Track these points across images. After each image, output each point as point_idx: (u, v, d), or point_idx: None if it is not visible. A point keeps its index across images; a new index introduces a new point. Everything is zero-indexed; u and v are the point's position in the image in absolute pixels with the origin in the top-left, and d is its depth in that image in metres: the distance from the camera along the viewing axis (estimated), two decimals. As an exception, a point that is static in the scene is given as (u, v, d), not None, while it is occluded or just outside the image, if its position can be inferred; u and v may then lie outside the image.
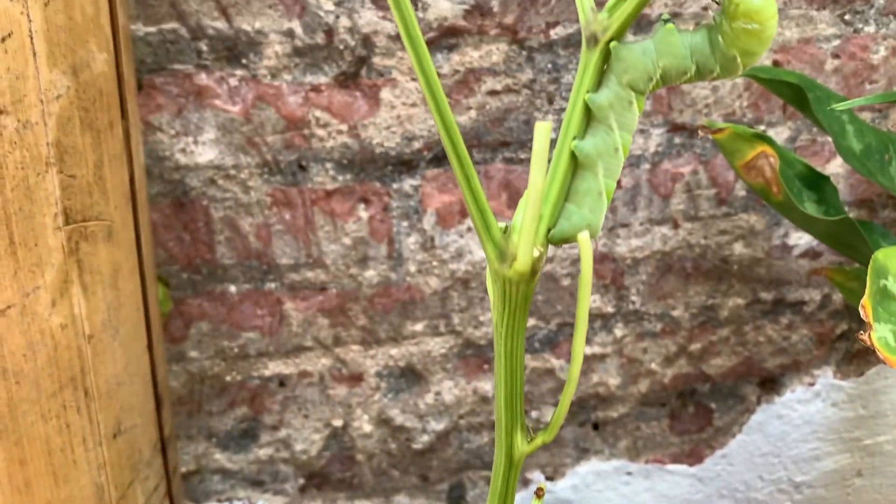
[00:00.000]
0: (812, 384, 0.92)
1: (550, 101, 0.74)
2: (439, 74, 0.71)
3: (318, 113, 0.71)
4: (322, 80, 0.70)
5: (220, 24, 0.66)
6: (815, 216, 0.57)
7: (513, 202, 0.78)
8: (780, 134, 0.79)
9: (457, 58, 0.71)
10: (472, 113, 0.73)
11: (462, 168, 0.30)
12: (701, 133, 0.53)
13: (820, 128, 0.66)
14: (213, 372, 0.78)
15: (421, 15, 0.69)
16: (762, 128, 0.78)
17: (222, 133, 0.70)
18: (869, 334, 0.43)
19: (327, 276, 0.76)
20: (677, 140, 0.77)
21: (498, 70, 0.72)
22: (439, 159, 0.74)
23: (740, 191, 0.81)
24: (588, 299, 0.29)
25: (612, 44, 0.30)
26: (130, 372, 0.53)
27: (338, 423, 0.82)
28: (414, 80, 0.71)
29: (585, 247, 0.30)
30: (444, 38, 0.70)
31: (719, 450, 0.91)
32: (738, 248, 0.83)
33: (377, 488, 0.85)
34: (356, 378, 0.81)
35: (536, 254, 0.31)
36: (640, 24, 0.72)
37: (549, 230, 0.32)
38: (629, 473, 0.90)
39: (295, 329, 0.78)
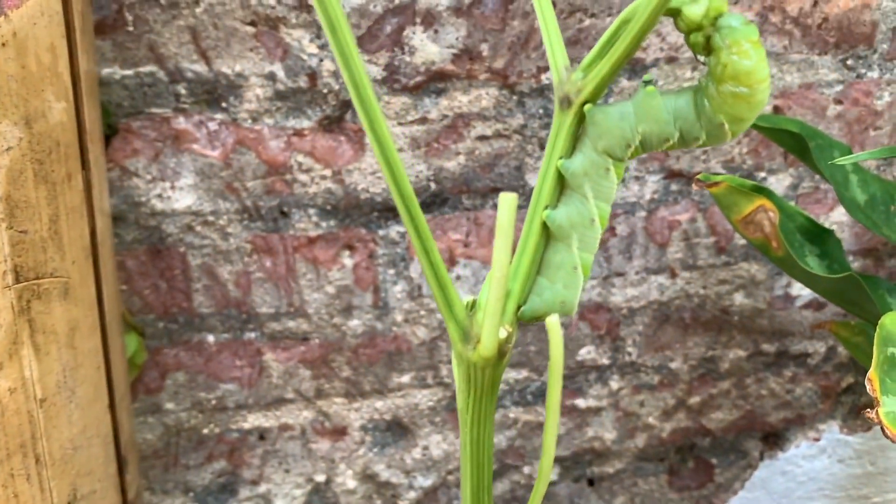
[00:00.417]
0: (817, 439, 0.88)
1: (542, 147, 0.72)
2: (427, 119, 0.69)
3: (300, 158, 0.68)
4: (305, 124, 0.67)
5: (200, 67, 0.64)
6: (816, 273, 0.54)
7: (503, 250, 0.75)
8: (781, 181, 0.76)
9: (445, 102, 0.69)
10: (462, 158, 0.71)
11: (421, 240, 0.27)
12: (695, 187, 0.50)
13: (822, 177, 0.63)
14: (189, 424, 0.75)
15: (408, 59, 0.67)
16: (763, 175, 0.76)
17: (201, 178, 0.67)
18: (877, 411, 0.39)
19: (309, 326, 0.73)
20: (674, 187, 0.75)
21: (488, 115, 0.70)
22: (428, 205, 0.72)
23: (740, 240, 0.78)
24: (559, 388, 0.26)
25: (587, 107, 0.27)
26: (89, 434, 0.50)
27: (320, 478, 0.79)
28: (401, 124, 0.69)
29: (554, 331, 0.27)
30: (433, 82, 0.68)
31: (720, 508, 0.87)
32: (739, 299, 0.80)
33: (361, 547, 0.81)
34: (339, 432, 0.78)
35: (504, 335, 0.28)
36: (634, 68, 0.70)
37: (519, 307, 0.29)
38: (626, 532, 0.86)
39: (275, 380, 0.75)
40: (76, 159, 0.45)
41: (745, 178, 0.75)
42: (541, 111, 0.70)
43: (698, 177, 0.50)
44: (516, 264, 0.29)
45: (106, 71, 0.63)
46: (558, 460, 0.83)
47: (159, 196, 0.67)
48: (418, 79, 0.67)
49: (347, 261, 0.72)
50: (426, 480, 0.81)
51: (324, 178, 0.69)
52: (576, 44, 0.68)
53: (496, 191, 0.73)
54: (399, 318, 0.75)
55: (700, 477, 0.87)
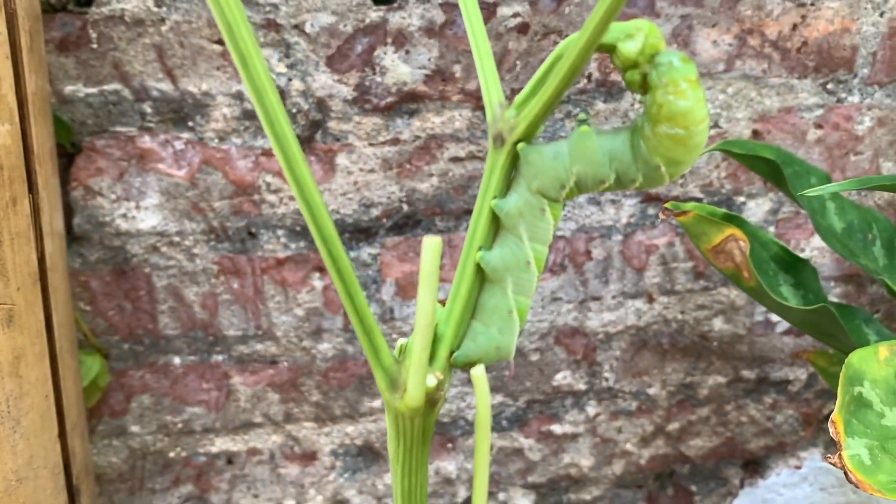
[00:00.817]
0: (799, 467, 0.86)
1: (516, 169, 0.70)
2: (399, 140, 0.68)
3: (269, 178, 0.67)
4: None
5: (165, 86, 0.63)
6: (788, 305, 0.53)
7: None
8: (761, 206, 0.75)
9: (417, 123, 0.67)
10: (434, 180, 0.69)
11: (344, 283, 0.25)
12: (663, 216, 0.49)
13: (798, 205, 0.62)
14: (155, 448, 0.73)
15: (379, 79, 0.65)
16: (742, 199, 0.74)
17: (166, 198, 0.66)
18: (840, 455, 0.38)
19: (278, 349, 0.72)
20: (651, 211, 0.73)
21: (461, 136, 0.68)
22: (400, 227, 0.71)
23: (719, 264, 0.77)
24: (487, 444, 0.25)
25: (520, 145, 0.26)
26: (35, 465, 0.48)
27: (289, 503, 0.77)
28: (372, 145, 0.68)
29: (480, 383, 0.25)
30: (405, 102, 0.66)
31: (699, 537, 0.86)
32: (718, 324, 0.79)
33: (330, 574, 0.79)
34: (309, 456, 0.76)
35: (433, 382, 0.27)
36: (610, 91, 0.69)
37: (452, 352, 0.28)
38: (603, 561, 0.85)
39: (243, 404, 0.73)
40: (22, 182, 0.44)
41: (725, 202, 0.74)
42: (515, 133, 0.69)
43: (666, 205, 0.49)
44: (449, 308, 0.28)
45: (69, 89, 0.62)
46: (534, 487, 0.81)
47: (124, 216, 0.66)
48: (390, 99, 0.66)
49: (317, 283, 0.71)
50: (398, 507, 0.79)
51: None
52: (550, 66, 0.67)
53: (470, 213, 0.72)
54: (370, 341, 0.73)
55: (679, 504, 0.85)
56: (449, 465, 0.79)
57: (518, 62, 0.67)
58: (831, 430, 0.39)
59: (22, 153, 0.43)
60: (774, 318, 0.80)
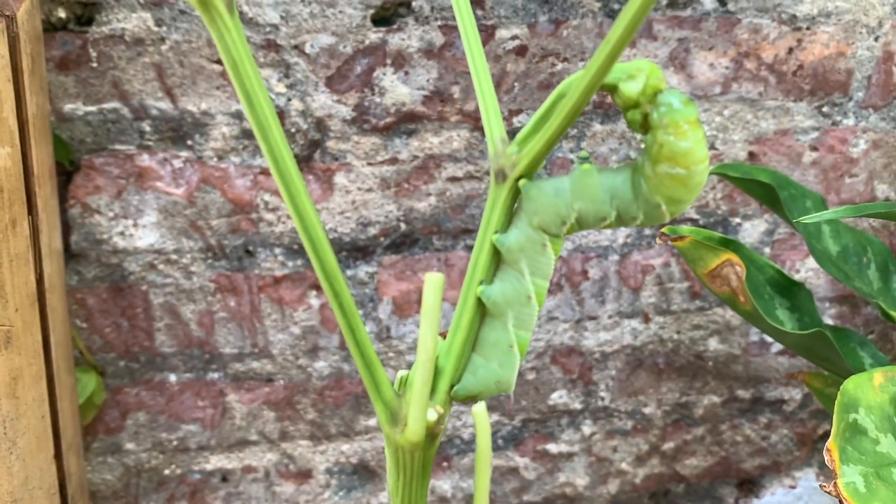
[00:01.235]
0: (793, 487, 0.86)
1: (514, 190, 0.71)
2: (397, 160, 0.68)
3: (266, 197, 0.67)
4: (272, 163, 0.66)
5: (165, 105, 0.63)
6: (784, 329, 0.53)
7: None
8: (756, 227, 0.75)
9: (416, 143, 0.68)
10: (432, 199, 0.70)
11: (346, 316, 0.26)
12: (659, 241, 0.49)
13: (794, 228, 0.62)
14: (150, 465, 0.73)
15: (378, 100, 0.66)
16: (737, 220, 0.75)
17: (164, 216, 0.66)
18: (835, 483, 0.38)
19: (274, 367, 0.72)
20: (647, 231, 0.74)
21: (459, 157, 0.69)
22: (397, 245, 0.71)
23: (715, 285, 0.77)
24: (487, 480, 0.25)
25: (522, 181, 0.26)
26: (31, 486, 0.48)
27: (284, 521, 0.77)
28: (371, 164, 0.68)
29: (481, 421, 0.25)
30: (403, 123, 0.67)
31: (694, 556, 0.86)
32: (714, 344, 0.79)
33: (325, 593, 0.79)
34: (304, 475, 0.76)
35: (434, 416, 0.27)
36: (607, 113, 0.69)
37: (452, 386, 0.28)
38: (597, 580, 0.85)
39: (238, 422, 0.73)
40: (22, 204, 0.44)
41: (721, 223, 0.75)
42: (512, 153, 0.69)
43: (662, 230, 0.49)
44: (450, 341, 0.28)
45: (68, 107, 0.62)
46: (529, 505, 0.81)
47: (121, 234, 0.66)
48: (388, 119, 0.67)
49: (314, 301, 0.71)
50: (393, 525, 0.79)
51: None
52: (547, 88, 0.67)
53: (467, 232, 0.72)
54: (366, 359, 0.74)
55: (674, 524, 0.85)
56: (444, 485, 0.79)
57: (516, 84, 0.67)
58: (826, 458, 0.39)
59: (22, 175, 0.43)
60: (769, 338, 0.80)
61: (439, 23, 0.64)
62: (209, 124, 0.64)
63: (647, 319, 0.77)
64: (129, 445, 0.72)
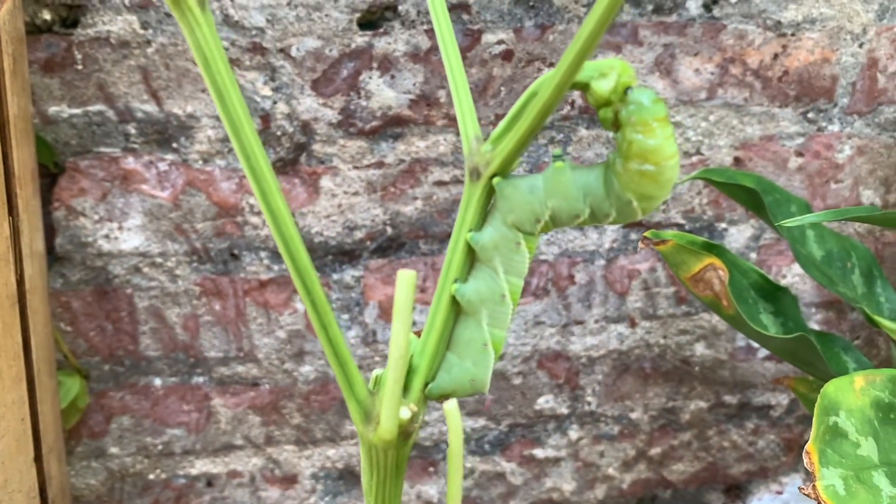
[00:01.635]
0: (780, 492, 0.86)
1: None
2: (384, 163, 0.68)
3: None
4: (258, 166, 0.66)
5: (150, 107, 0.63)
6: (767, 334, 0.53)
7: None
8: (742, 232, 0.76)
9: (402, 147, 0.68)
10: (419, 203, 0.70)
11: (318, 314, 0.25)
12: (642, 245, 0.49)
13: (778, 233, 0.62)
14: (135, 469, 0.73)
15: (364, 103, 0.66)
16: (723, 226, 0.75)
17: (149, 219, 0.66)
18: (814, 485, 0.38)
19: (259, 371, 0.72)
20: (633, 236, 0.74)
21: (445, 161, 0.69)
22: (384, 249, 0.71)
23: (701, 290, 0.77)
24: (459, 478, 0.25)
25: (496, 179, 0.26)
26: (10, 490, 0.48)
27: (269, 526, 0.76)
28: (357, 168, 0.68)
29: (453, 418, 0.25)
30: (389, 126, 0.67)
31: (681, 562, 0.85)
32: (700, 349, 0.79)
33: None
34: (290, 479, 0.76)
35: (407, 415, 0.27)
36: (593, 118, 0.70)
37: (427, 384, 0.28)
38: (584, 586, 0.84)
39: (224, 426, 0.73)
40: (2, 205, 0.44)
41: (707, 228, 0.75)
42: (499, 158, 0.70)
43: (646, 234, 0.49)
44: (424, 340, 0.28)
45: (53, 109, 0.62)
46: (516, 511, 0.81)
47: (106, 236, 0.66)
48: (375, 123, 0.67)
49: (300, 305, 0.71)
50: (379, 530, 0.79)
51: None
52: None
53: (454, 236, 0.72)
54: (352, 364, 0.73)
55: (661, 529, 0.85)
56: (430, 489, 0.79)
57: (502, 88, 0.67)
58: (805, 460, 0.39)
59: (2, 176, 0.43)
60: (756, 343, 0.80)
61: (425, 27, 0.65)
62: (194, 127, 0.64)
63: (633, 324, 0.77)
64: (114, 450, 0.72)
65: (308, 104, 0.65)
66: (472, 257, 0.28)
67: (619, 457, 0.82)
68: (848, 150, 0.74)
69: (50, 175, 0.64)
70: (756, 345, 0.80)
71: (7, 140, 0.44)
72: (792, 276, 0.78)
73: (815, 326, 0.81)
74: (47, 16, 0.60)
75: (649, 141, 0.24)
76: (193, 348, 0.70)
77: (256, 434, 0.73)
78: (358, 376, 0.27)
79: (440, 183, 0.70)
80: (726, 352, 0.80)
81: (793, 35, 0.70)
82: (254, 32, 0.62)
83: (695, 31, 0.68)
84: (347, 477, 0.77)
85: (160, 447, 0.73)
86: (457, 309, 0.28)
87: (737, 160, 0.73)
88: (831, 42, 0.71)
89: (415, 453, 0.78)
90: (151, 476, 0.74)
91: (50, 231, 0.65)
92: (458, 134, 0.68)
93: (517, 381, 0.77)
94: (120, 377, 0.70)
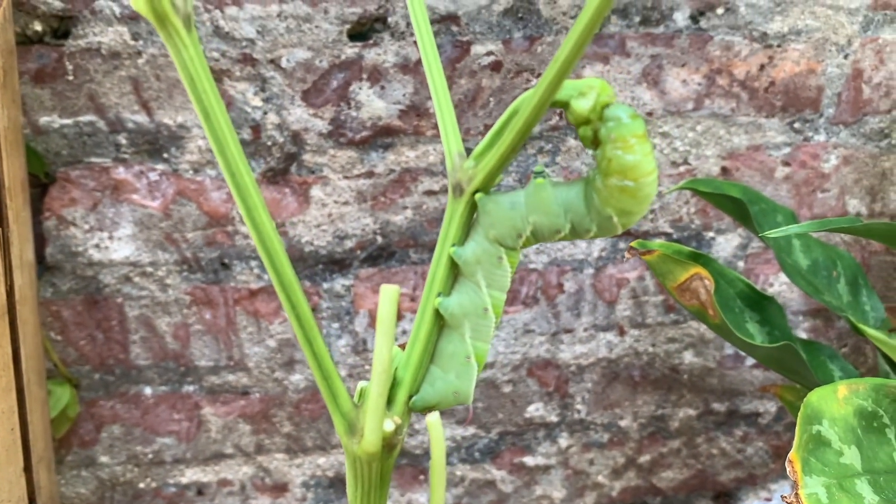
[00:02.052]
0: (769, 499, 0.87)
1: (489, 203, 0.71)
2: (374, 173, 0.68)
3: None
4: (249, 176, 0.67)
5: (141, 118, 0.64)
6: (753, 343, 0.54)
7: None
8: (730, 241, 0.76)
9: (392, 157, 0.68)
10: (409, 212, 0.70)
11: (303, 328, 0.26)
12: (628, 255, 0.50)
13: (765, 243, 0.63)
14: (125, 478, 0.73)
15: (354, 114, 0.66)
16: (711, 235, 0.76)
17: (139, 229, 0.66)
18: (796, 493, 0.38)
19: (250, 380, 0.72)
20: (622, 245, 0.74)
21: (435, 171, 0.69)
22: (374, 258, 0.71)
23: (689, 298, 0.78)
24: (442, 488, 0.25)
25: (478, 195, 0.27)
26: (0, 499, 0.48)
27: (260, 535, 0.77)
28: (347, 177, 0.68)
29: (435, 430, 0.26)
30: (379, 136, 0.67)
31: (671, 569, 0.86)
32: (689, 357, 0.80)
33: None
34: (280, 488, 0.76)
35: (391, 427, 0.27)
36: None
37: (411, 396, 0.29)
38: None
39: (214, 435, 0.73)
40: (-8, 217, 0.44)
41: (694, 237, 0.75)
42: (488, 168, 0.70)
43: (632, 244, 0.50)
44: (408, 353, 0.28)
45: (44, 119, 0.62)
46: (506, 519, 0.81)
47: (97, 246, 0.66)
48: (364, 133, 0.67)
49: (290, 314, 0.71)
50: (369, 539, 0.79)
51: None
52: (522, 102, 0.68)
53: (443, 246, 0.72)
54: (343, 372, 0.74)
55: (651, 537, 0.86)
56: (421, 498, 0.79)
57: (491, 99, 0.68)
58: (788, 469, 0.39)
59: (-8, 187, 0.44)
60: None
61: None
62: (185, 137, 0.65)
63: (622, 332, 0.77)
64: (104, 458, 0.72)
65: (298, 115, 0.66)
66: (455, 271, 0.28)
67: (608, 464, 0.82)
68: (834, 160, 0.75)
69: (41, 185, 0.64)
70: (744, 353, 0.81)
71: (-3, 152, 0.44)
72: (779, 284, 0.79)
73: (803, 335, 0.81)
74: (38, 27, 0.60)
75: (628, 157, 0.24)
76: (184, 357, 0.70)
77: (247, 442, 0.74)
78: (342, 389, 0.27)
79: (430, 192, 0.70)
80: (715, 360, 0.80)
81: (779, 46, 0.70)
82: (244, 44, 0.63)
83: (682, 42, 0.69)
84: (338, 485, 0.77)
85: (150, 456, 0.73)
86: (441, 322, 0.29)
87: (724, 170, 0.74)
88: (817, 53, 0.71)
89: (405, 461, 0.78)
90: (142, 485, 0.74)
91: (40, 240, 0.65)
92: (447, 144, 0.69)
93: (507, 389, 0.77)
94: (110, 386, 0.70)
